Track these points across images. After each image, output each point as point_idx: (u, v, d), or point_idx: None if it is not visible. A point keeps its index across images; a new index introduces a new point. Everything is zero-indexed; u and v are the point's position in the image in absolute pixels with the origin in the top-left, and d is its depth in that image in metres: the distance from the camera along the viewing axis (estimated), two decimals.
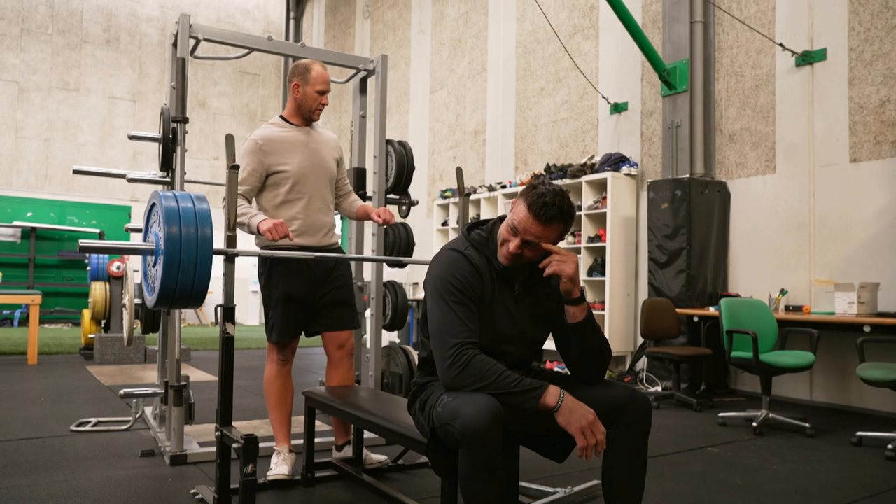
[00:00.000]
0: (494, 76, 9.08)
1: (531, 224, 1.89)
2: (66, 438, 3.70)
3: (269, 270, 3.01)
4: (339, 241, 3.27)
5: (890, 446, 3.67)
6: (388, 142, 4.04)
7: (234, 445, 2.32)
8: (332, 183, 3.19)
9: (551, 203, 1.87)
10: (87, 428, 3.92)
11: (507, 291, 2.04)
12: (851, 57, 5.32)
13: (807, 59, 5.55)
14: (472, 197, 8.60)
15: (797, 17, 5.68)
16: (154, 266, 2.35)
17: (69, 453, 3.39)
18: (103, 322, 7.64)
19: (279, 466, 2.95)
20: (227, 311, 2.54)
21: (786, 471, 3.41)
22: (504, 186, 8.26)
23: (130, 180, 3.44)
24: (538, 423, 1.97)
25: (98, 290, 7.39)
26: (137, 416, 4.00)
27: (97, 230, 12.11)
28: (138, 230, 3.69)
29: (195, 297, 2.30)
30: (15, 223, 11.76)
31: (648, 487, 2.15)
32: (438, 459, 1.92)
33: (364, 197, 3.98)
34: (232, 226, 2.54)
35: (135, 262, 8.13)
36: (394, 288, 4.10)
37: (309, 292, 3.03)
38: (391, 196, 4.10)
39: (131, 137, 3.51)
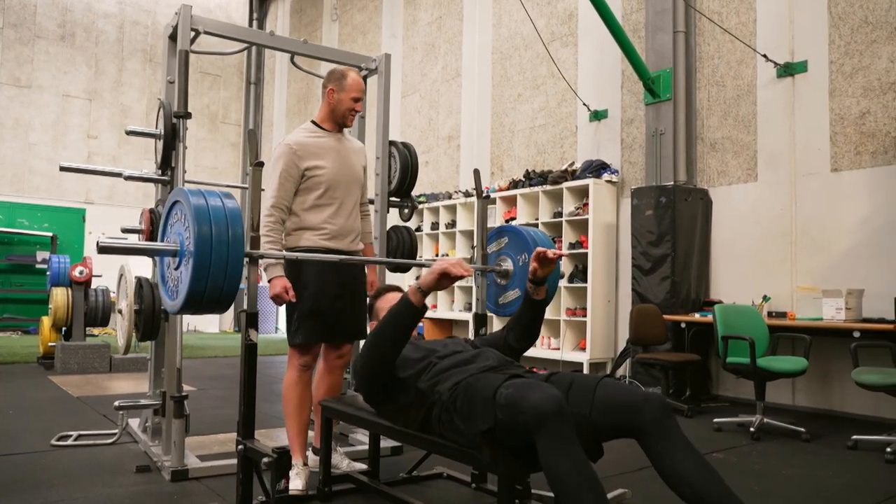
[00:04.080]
0: (469, 82, 9.04)
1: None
2: (48, 454, 3.46)
3: (298, 272, 2.87)
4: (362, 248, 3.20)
5: (889, 449, 3.73)
6: (392, 143, 3.93)
7: (265, 460, 2.17)
8: (361, 190, 3.14)
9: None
10: (70, 442, 3.67)
11: None
12: (832, 69, 5.45)
13: (788, 70, 5.67)
14: (447, 202, 8.52)
15: (778, 31, 5.80)
16: (177, 268, 2.19)
17: (56, 470, 3.16)
18: (63, 329, 7.27)
19: (293, 481, 2.80)
20: (251, 317, 2.40)
21: (796, 475, 3.42)
22: None
23: (127, 178, 3.24)
24: (580, 400, 2.05)
25: (59, 295, 7.02)
26: (123, 428, 3.77)
27: (50, 234, 11.59)
28: (134, 231, 3.48)
29: (223, 301, 2.15)
30: None
31: (668, 496, 2.04)
32: (490, 456, 1.91)
33: None
34: (256, 226, 2.41)
35: (98, 267, 7.75)
36: None
37: (335, 296, 2.92)
38: (393, 199, 4.00)
39: (129, 133, 3.30)
